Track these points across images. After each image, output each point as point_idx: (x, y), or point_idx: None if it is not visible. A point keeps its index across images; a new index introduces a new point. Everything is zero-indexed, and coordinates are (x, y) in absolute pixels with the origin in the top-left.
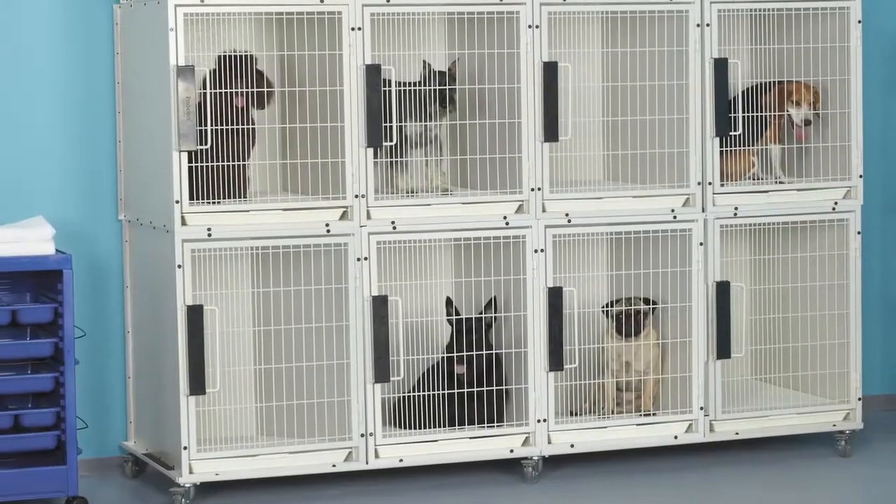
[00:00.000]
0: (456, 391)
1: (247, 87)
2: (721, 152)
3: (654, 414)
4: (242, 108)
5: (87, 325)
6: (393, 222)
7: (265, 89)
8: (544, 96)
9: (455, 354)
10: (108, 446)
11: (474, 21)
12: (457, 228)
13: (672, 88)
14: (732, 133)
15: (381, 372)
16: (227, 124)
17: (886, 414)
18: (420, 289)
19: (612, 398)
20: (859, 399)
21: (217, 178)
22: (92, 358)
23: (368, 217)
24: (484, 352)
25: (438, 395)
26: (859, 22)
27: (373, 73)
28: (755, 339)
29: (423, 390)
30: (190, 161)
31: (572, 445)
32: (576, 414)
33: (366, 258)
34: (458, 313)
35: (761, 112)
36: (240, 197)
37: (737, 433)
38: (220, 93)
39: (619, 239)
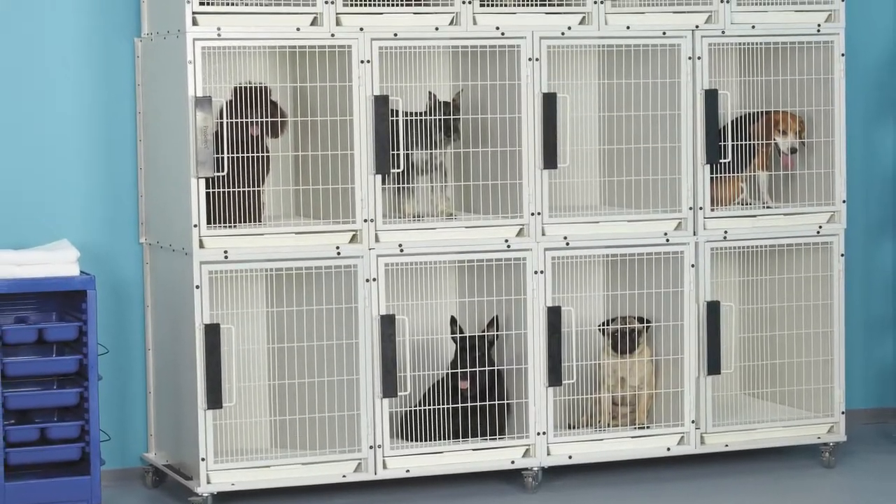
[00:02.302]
0: (460, 405)
1: (261, 117)
2: (711, 179)
3: (647, 427)
4: (257, 137)
5: (109, 343)
6: (400, 245)
7: (279, 119)
8: (544, 125)
9: (459, 370)
10: (129, 458)
11: (477, 54)
12: (461, 251)
13: (665, 118)
14: (722, 160)
15: (389, 387)
16: (242, 152)
17: (868, 427)
18: (426, 308)
19: (608, 412)
20: (843, 413)
21: (233, 204)
22: (114, 374)
23: (377, 240)
24: (486, 368)
25: (443, 409)
26: (843, 55)
27: (381, 103)
28: (744, 355)
29: (429, 404)
30: (207, 187)
31: (570, 457)
32: (574, 427)
33: (374, 279)
34: (461, 331)
35: (750, 140)
36: (255, 221)
37: (726, 445)
38: (237, 122)
39: (615, 261)
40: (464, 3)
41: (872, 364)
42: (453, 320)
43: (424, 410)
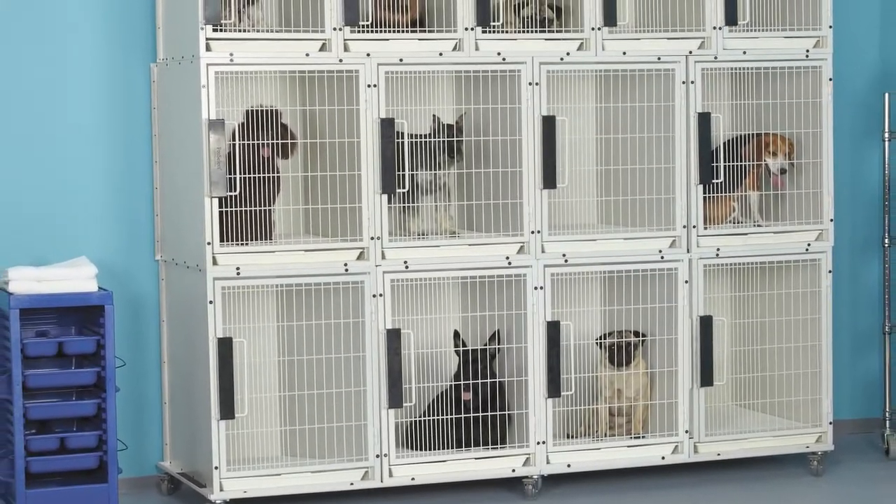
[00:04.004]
0: (463, 416)
1: (272, 139)
2: (704, 198)
3: (643, 437)
4: (268, 158)
5: (126, 356)
6: (405, 262)
7: (289, 141)
8: (543, 147)
9: (462, 382)
10: (145, 466)
11: (479, 79)
12: (464, 268)
13: (660, 140)
14: (715, 181)
15: (395, 398)
16: (254, 173)
17: (855, 437)
18: (430, 323)
19: (605, 422)
20: (830, 423)
21: (245, 222)
22: (131, 385)
23: (383, 257)
24: (488, 380)
25: (447, 419)
26: (830, 80)
27: (387, 126)
28: (735, 368)
29: (433, 415)
30: (220, 206)
31: (569, 465)
32: (572, 436)
33: (381, 295)
34: (464, 345)
35: (741, 161)
36: (266, 239)
37: (719, 454)
38: (248, 144)
39: (612, 277)
40: (466, 29)
41: (859, 376)
42: (456, 334)
43: (429, 421)
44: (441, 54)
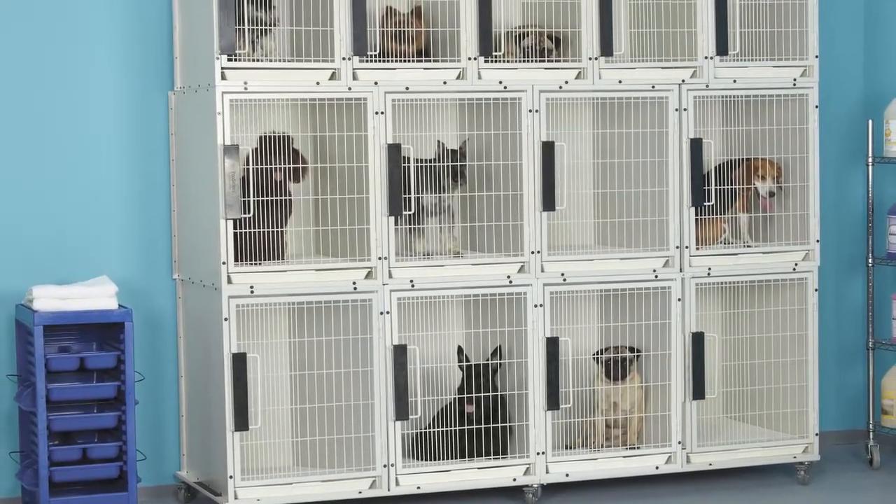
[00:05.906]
0: (466, 427)
1: (284, 164)
2: (696, 220)
3: (638, 447)
4: (281, 182)
5: (145, 370)
6: (411, 281)
7: (300, 165)
8: (543, 171)
9: (465, 395)
10: (163, 475)
11: (482, 106)
12: (467, 286)
13: (654, 164)
14: (706, 203)
15: (401, 411)
16: (267, 196)
17: (840, 447)
18: (435, 339)
19: (602, 434)
20: (816, 434)
21: (259, 243)
22: (150, 399)
23: (390, 276)
24: (490, 393)
25: (451, 430)
26: (816, 107)
27: (394, 151)
28: (726, 382)
29: (438, 427)
30: (235, 228)
31: (567, 475)
32: (570, 447)
33: (388, 312)
34: (468, 360)
35: (731, 185)
36: (278, 259)
37: (710, 464)
38: (262, 168)
39: (608, 295)
40: (469, 59)
41: (844, 389)
42: (460, 350)
43: (434, 432)
44: (445, 83)
